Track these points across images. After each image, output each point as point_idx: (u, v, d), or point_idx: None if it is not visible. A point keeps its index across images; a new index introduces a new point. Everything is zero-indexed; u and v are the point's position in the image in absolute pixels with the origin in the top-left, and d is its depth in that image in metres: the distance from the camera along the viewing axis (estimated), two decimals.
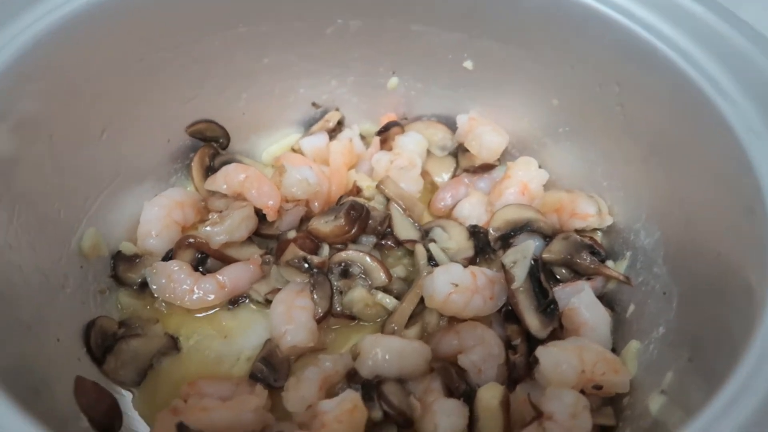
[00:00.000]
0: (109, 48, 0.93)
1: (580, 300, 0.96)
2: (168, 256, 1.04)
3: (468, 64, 1.17)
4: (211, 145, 1.18)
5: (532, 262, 0.99)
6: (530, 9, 1.03)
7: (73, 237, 0.94)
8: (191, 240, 1.03)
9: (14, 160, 0.82)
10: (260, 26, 1.09)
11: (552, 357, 0.87)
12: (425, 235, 1.11)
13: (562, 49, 1.03)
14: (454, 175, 1.24)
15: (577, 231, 1.07)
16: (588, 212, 1.05)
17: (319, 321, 0.99)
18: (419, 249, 1.08)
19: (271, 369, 0.94)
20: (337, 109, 1.27)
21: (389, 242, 1.11)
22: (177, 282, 1.00)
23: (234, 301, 1.04)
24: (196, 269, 1.04)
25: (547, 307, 0.95)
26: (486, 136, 1.16)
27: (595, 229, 1.08)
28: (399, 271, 1.08)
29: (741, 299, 0.65)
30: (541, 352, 0.89)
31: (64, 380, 0.80)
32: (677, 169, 0.89)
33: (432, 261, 1.07)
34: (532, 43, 1.06)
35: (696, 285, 0.83)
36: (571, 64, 1.04)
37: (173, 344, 0.98)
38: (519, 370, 0.93)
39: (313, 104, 1.26)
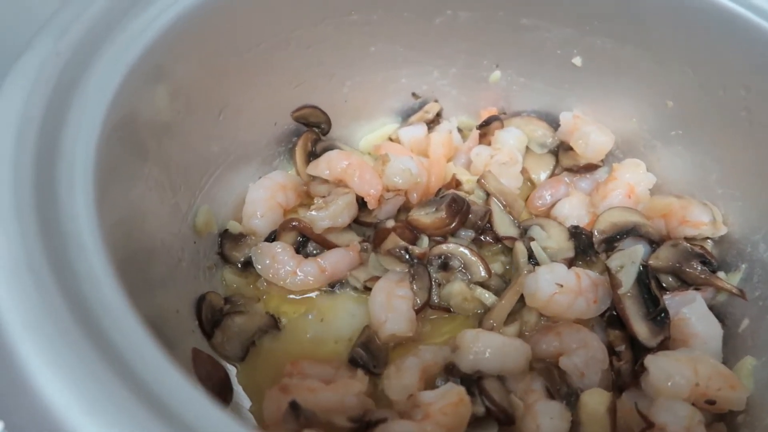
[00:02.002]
0: (234, 30, 0.95)
1: (691, 310, 0.93)
2: (270, 237, 1.07)
3: (577, 61, 1.14)
4: (314, 130, 1.19)
5: (641, 268, 0.96)
6: (651, 6, 1.00)
7: (190, 212, 0.97)
8: (295, 223, 1.05)
9: (165, 126, 0.85)
10: (372, 14, 1.09)
11: (664, 367, 0.85)
12: (524, 233, 1.10)
13: (684, 50, 0.99)
14: (552, 174, 1.21)
15: (686, 239, 1.04)
16: (702, 220, 1.01)
17: (418, 311, 0.99)
18: (519, 246, 1.06)
19: (370, 355, 0.95)
20: (437, 101, 1.26)
21: (488, 237, 1.10)
22: (281, 263, 1.02)
23: (332, 285, 1.05)
24: (298, 252, 1.06)
25: (657, 315, 0.92)
26: (592, 136, 1.13)
27: (705, 238, 1.04)
28: (496, 267, 1.07)
29: None
30: (651, 361, 0.86)
31: (182, 349, 0.83)
32: None
33: (531, 259, 1.05)
34: (650, 42, 1.03)
35: None
36: (692, 66, 1.00)
37: (274, 323, 1.00)
38: (624, 378, 0.91)
39: (413, 95, 1.26)
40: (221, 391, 0.86)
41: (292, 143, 1.18)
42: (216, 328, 0.95)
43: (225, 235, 1.06)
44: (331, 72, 1.16)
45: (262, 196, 1.08)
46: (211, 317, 0.95)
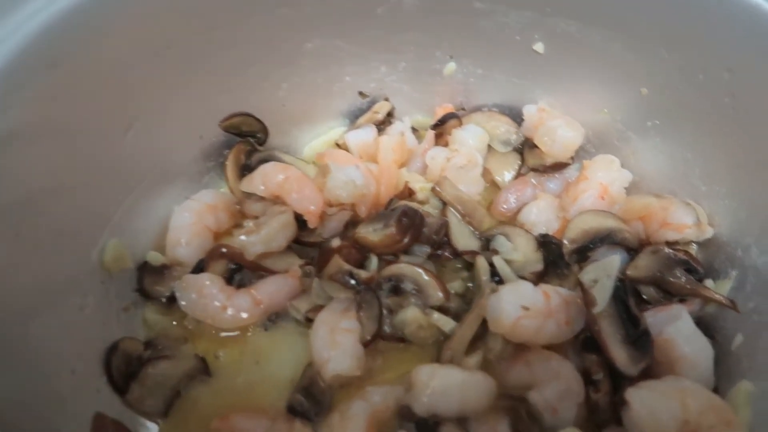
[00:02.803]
0: (132, 33, 0.82)
1: (677, 330, 0.81)
2: (199, 267, 0.94)
3: (539, 47, 1.01)
4: (248, 140, 1.06)
5: (618, 282, 0.84)
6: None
7: (94, 249, 0.84)
8: (224, 250, 0.92)
9: (21, 162, 0.71)
10: (304, 7, 0.96)
11: (647, 401, 0.73)
12: (487, 244, 0.98)
13: (658, 29, 0.87)
14: (518, 174, 1.09)
15: (668, 243, 0.92)
16: (685, 222, 0.89)
17: (366, 345, 0.87)
18: (480, 262, 0.94)
19: (312, 401, 0.83)
20: (387, 99, 1.14)
21: (446, 253, 0.98)
22: (208, 298, 0.89)
23: (271, 319, 0.93)
24: (229, 282, 0.93)
25: (638, 337, 0.80)
26: (559, 131, 1.01)
27: (689, 242, 0.92)
28: (457, 286, 0.95)
29: None
30: (632, 394, 0.74)
31: (77, 419, 0.70)
32: None
33: (495, 276, 0.93)
34: (620, 22, 0.91)
35: None
36: (667, 47, 0.88)
37: (203, 368, 0.88)
38: (602, 413, 0.79)
39: (360, 93, 1.13)
40: None
41: (223, 157, 1.05)
42: (132, 381, 0.83)
43: (144, 268, 0.93)
44: (261, 74, 1.03)
45: (187, 221, 0.96)
46: (125, 369, 0.83)
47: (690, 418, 0.71)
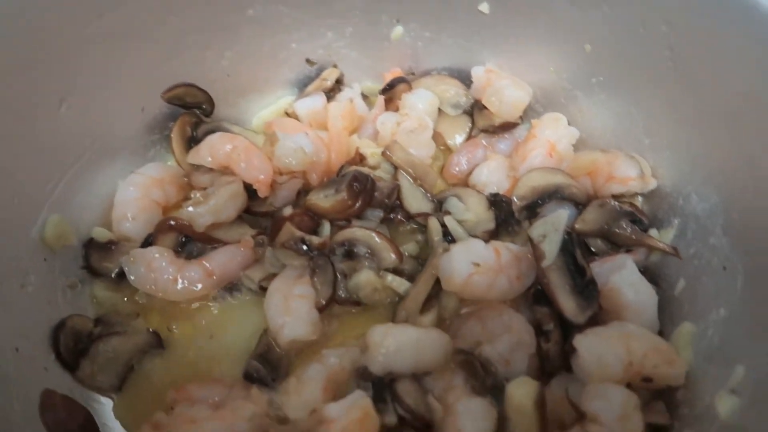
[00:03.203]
0: (59, 2, 0.78)
1: (622, 278, 0.83)
2: (148, 241, 0.92)
3: (484, 7, 1.02)
4: (193, 112, 1.04)
5: (565, 236, 0.86)
6: None
7: (33, 227, 0.82)
8: (172, 223, 0.90)
9: None
10: None
11: (593, 347, 0.75)
12: (439, 206, 0.99)
13: None
14: (469, 137, 1.10)
15: (615, 197, 0.94)
16: (629, 175, 0.91)
17: (321, 310, 0.87)
18: (433, 223, 0.95)
19: (269, 367, 0.83)
20: (335, 66, 1.13)
21: (398, 216, 0.98)
22: (158, 271, 0.88)
23: (224, 290, 0.92)
24: (179, 255, 0.91)
25: (585, 287, 0.82)
26: (506, 91, 1.02)
27: (634, 194, 0.94)
28: (410, 248, 0.96)
29: None
30: (579, 341, 0.76)
31: (25, 398, 0.68)
32: (746, 125, 0.74)
33: (448, 236, 0.94)
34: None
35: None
36: (609, 2, 0.88)
37: (157, 341, 0.87)
38: (553, 361, 0.81)
39: (308, 61, 1.12)
40: None
41: (168, 129, 1.02)
42: (82, 358, 0.81)
43: (90, 244, 0.91)
44: (204, 43, 1.00)
45: (132, 195, 0.94)
46: (74, 345, 0.81)
47: (634, 359, 0.74)
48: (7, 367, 0.69)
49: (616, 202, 0.92)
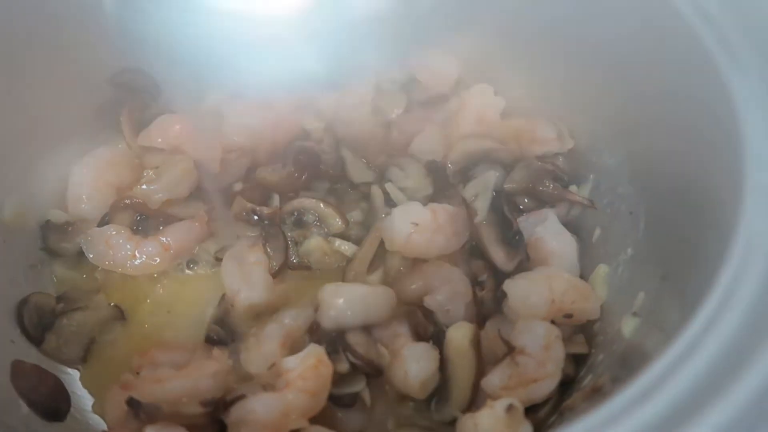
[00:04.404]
0: None
1: (545, 229, 0.93)
2: (104, 221, 0.96)
3: None
4: (140, 96, 1.07)
5: (494, 194, 0.95)
6: None
7: None
8: (127, 201, 0.94)
9: None
10: None
11: (520, 289, 0.85)
12: (381, 175, 1.06)
13: None
14: (407, 110, 1.16)
15: (539, 158, 1.03)
16: (548, 137, 1.01)
17: (275, 275, 0.94)
18: (375, 190, 1.02)
19: (228, 330, 0.89)
20: None
21: (344, 186, 1.05)
22: (116, 248, 0.92)
23: (181, 263, 0.97)
24: (136, 232, 0.96)
25: (513, 238, 0.91)
26: (436, 65, 1.09)
27: (557, 154, 1.03)
28: (356, 215, 1.03)
29: (713, 215, 0.62)
30: (508, 285, 0.86)
31: None
32: (636, 82, 0.84)
33: (390, 202, 1.01)
34: None
35: (664, 203, 0.80)
36: None
37: (119, 314, 0.91)
38: (488, 306, 0.90)
39: None
40: (54, 401, 0.77)
41: (117, 113, 1.05)
42: (47, 332, 0.85)
43: (47, 226, 0.94)
44: (149, 26, 1.03)
45: (87, 177, 0.97)
46: (39, 321, 0.85)
47: (555, 297, 0.84)
48: None
49: (540, 163, 1.01)
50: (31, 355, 0.81)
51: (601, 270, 0.90)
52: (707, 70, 0.68)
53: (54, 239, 0.94)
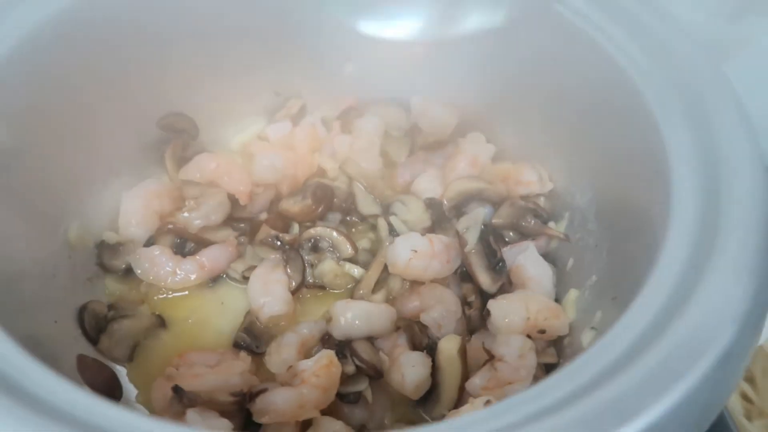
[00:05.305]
0: (87, 46, 1.00)
1: (525, 257, 1.08)
2: (149, 242, 1.12)
3: (418, 49, 1.25)
4: (182, 136, 1.24)
5: (483, 227, 1.11)
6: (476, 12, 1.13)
7: (60, 230, 1.02)
8: (171, 226, 1.11)
9: (12, 154, 0.89)
10: (227, 22, 1.16)
11: (501, 308, 0.99)
12: (387, 209, 1.21)
13: (501, 39, 1.13)
14: (411, 153, 1.32)
15: (523, 197, 1.19)
16: (530, 180, 1.17)
17: (294, 292, 1.09)
18: (381, 222, 1.18)
19: (253, 337, 1.04)
20: (299, 97, 1.35)
21: (354, 218, 1.21)
22: (159, 265, 1.08)
23: (214, 280, 1.13)
24: (176, 253, 1.12)
25: (497, 265, 1.07)
26: (437, 115, 1.26)
27: (538, 195, 1.19)
28: (364, 243, 1.18)
29: (648, 241, 0.77)
30: (492, 304, 1.00)
31: (66, 357, 0.89)
32: (601, 133, 1.00)
33: (393, 232, 1.17)
34: (474, 35, 1.16)
35: (620, 236, 0.95)
36: (508, 49, 1.14)
37: (160, 322, 1.06)
38: (474, 323, 1.05)
39: (276, 93, 1.33)
40: (110, 389, 0.93)
41: (161, 151, 1.23)
42: (102, 334, 1.01)
43: (102, 245, 1.10)
44: (191, 78, 1.22)
45: (135, 205, 1.13)
46: (95, 324, 1.01)
47: (531, 315, 0.98)
48: (52, 332, 0.89)
49: (523, 202, 1.17)
50: (89, 351, 0.97)
51: (572, 294, 1.05)
52: (647, 125, 0.85)
53: (107, 257, 1.10)
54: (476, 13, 1.13)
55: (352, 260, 1.13)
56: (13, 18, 0.92)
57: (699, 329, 0.59)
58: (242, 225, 1.18)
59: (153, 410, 0.92)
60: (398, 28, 1.22)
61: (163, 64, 1.16)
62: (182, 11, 1.11)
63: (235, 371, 0.95)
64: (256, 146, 1.26)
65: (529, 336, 0.98)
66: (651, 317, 0.62)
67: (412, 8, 1.21)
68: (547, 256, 1.13)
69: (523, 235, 1.16)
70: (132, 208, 1.13)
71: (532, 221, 1.15)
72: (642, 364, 0.57)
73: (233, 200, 1.16)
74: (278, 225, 1.15)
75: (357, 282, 1.12)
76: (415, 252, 1.08)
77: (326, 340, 1.03)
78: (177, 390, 0.84)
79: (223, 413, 0.87)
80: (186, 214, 1.11)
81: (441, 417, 0.94)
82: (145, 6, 1.06)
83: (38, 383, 0.63)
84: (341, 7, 1.22)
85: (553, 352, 1.00)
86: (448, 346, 0.99)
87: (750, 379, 1.28)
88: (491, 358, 0.95)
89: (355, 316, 1.02)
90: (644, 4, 0.95)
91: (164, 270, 1.08)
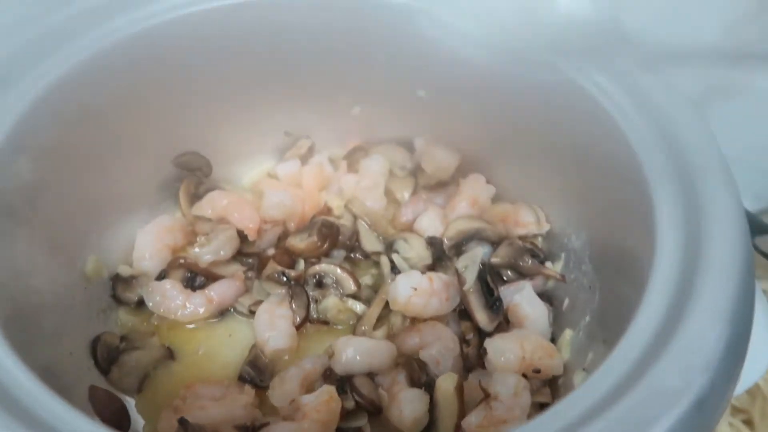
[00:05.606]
0: (112, 90, 1.07)
1: (522, 297, 1.11)
2: (161, 276, 1.17)
3: (421, 93, 1.31)
4: (195, 174, 1.30)
5: (481, 266, 1.15)
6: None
7: (78, 262, 1.07)
8: (182, 260, 1.16)
9: (37, 188, 0.95)
10: (243, 70, 1.23)
11: (497, 347, 1.02)
12: (389, 247, 1.25)
13: (500, 87, 1.18)
14: (414, 193, 1.37)
15: (521, 237, 1.22)
16: (528, 221, 1.20)
17: (298, 327, 1.13)
18: (383, 259, 1.22)
19: (257, 371, 1.08)
20: (308, 137, 1.41)
21: (358, 255, 1.25)
22: (170, 298, 1.13)
23: (222, 313, 1.17)
24: (186, 286, 1.17)
25: (494, 304, 1.10)
26: (439, 157, 1.31)
27: (536, 235, 1.23)
28: (367, 280, 1.22)
29: (634, 286, 0.81)
30: (488, 343, 1.03)
31: (79, 387, 0.93)
32: (594, 178, 1.04)
33: (395, 269, 1.21)
34: (475, 93, 1.22)
35: (611, 279, 0.98)
36: (507, 97, 1.19)
37: (169, 354, 1.11)
38: (471, 360, 1.08)
39: (286, 133, 1.39)
40: (119, 420, 0.97)
41: (176, 188, 1.28)
42: (113, 365, 1.05)
43: (116, 278, 1.15)
44: (205, 119, 1.28)
45: (149, 240, 1.19)
46: (107, 356, 1.05)
47: (526, 355, 1.01)
48: (67, 364, 0.94)
49: (521, 242, 1.21)
50: (101, 382, 1.01)
51: (567, 334, 1.08)
52: (636, 175, 0.89)
53: (121, 289, 1.15)
54: (479, 66, 1.18)
55: (355, 296, 1.17)
56: (46, 64, 0.98)
57: (674, 376, 0.62)
58: (250, 260, 1.23)
59: None
60: (404, 76, 1.28)
61: (181, 106, 1.22)
62: (200, 58, 1.17)
63: (240, 404, 0.99)
64: (265, 184, 1.32)
65: (524, 375, 1.01)
66: (631, 362, 0.65)
67: (419, 59, 1.27)
68: (544, 296, 1.16)
69: (521, 274, 1.20)
70: (146, 242, 1.19)
71: (530, 261, 1.19)
72: (620, 408, 0.60)
73: (242, 236, 1.21)
74: (285, 261, 1.20)
75: (359, 318, 1.16)
76: (415, 290, 1.11)
77: (328, 375, 1.07)
78: (182, 422, 0.88)
79: None
80: (197, 249, 1.16)
81: None
82: (165, 53, 1.13)
83: (52, 412, 0.67)
84: (350, 54, 1.29)
85: (547, 392, 1.03)
86: (446, 384, 1.02)
87: (748, 422, 1.30)
88: (487, 396, 0.98)
89: (356, 352, 1.05)
90: (639, 64, 1.00)
91: (175, 303, 1.13)
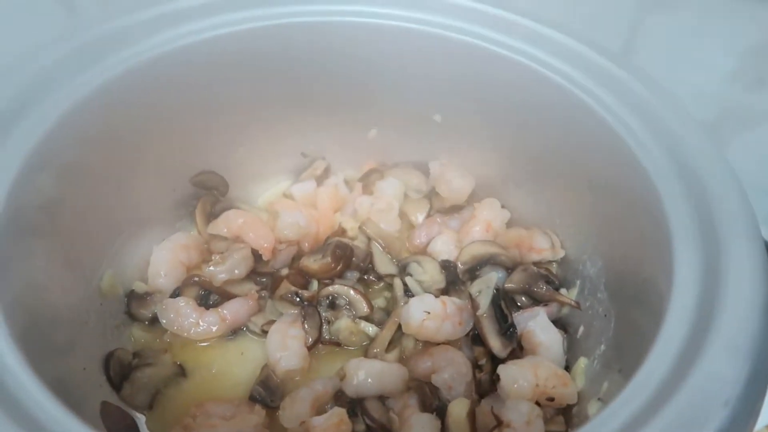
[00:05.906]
0: (134, 111, 1.09)
1: (536, 323, 1.10)
2: (175, 294, 1.18)
3: (437, 118, 1.32)
4: (212, 193, 1.32)
5: (495, 291, 1.14)
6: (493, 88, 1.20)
7: (95, 278, 1.08)
8: (196, 279, 1.17)
9: (57, 204, 0.96)
10: (260, 92, 1.25)
11: (511, 373, 1.01)
12: (403, 269, 1.26)
13: (516, 112, 1.19)
14: (428, 216, 1.37)
15: (535, 263, 1.22)
16: (543, 247, 1.20)
17: (310, 348, 1.12)
18: (397, 282, 1.22)
19: (268, 391, 1.07)
20: (324, 158, 1.42)
21: (371, 277, 1.25)
22: (184, 316, 1.13)
23: (234, 332, 1.17)
24: (200, 304, 1.17)
25: (507, 330, 1.09)
26: (454, 181, 1.32)
27: (550, 261, 1.23)
28: (379, 302, 1.22)
29: (651, 315, 0.80)
30: (501, 369, 1.02)
31: (91, 402, 0.93)
32: (610, 206, 1.04)
33: (408, 292, 1.21)
34: (496, 111, 1.22)
35: (626, 307, 0.98)
36: (523, 122, 1.20)
37: (181, 371, 1.11)
38: (484, 386, 1.07)
39: (302, 154, 1.41)
40: None
41: (192, 206, 1.30)
42: (125, 381, 1.05)
43: (131, 295, 1.16)
44: (223, 140, 1.30)
45: (165, 257, 1.20)
46: (119, 371, 1.05)
47: (539, 382, 1.00)
48: (79, 379, 0.94)
49: (536, 268, 1.20)
50: (112, 398, 1.01)
51: (582, 362, 1.07)
52: (652, 203, 0.89)
53: (135, 305, 1.15)
54: (494, 94, 1.19)
55: (367, 318, 1.17)
56: (70, 86, 1.00)
57: (692, 410, 0.61)
58: (264, 279, 1.23)
59: None
60: (421, 101, 1.30)
61: (200, 127, 1.25)
62: (219, 81, 1.19)
63: (250, 424, 0.98)
64: (281, 204, 1.33)
65: (538, 403, 1.00)
66: (650, 393, 0.64)
67: (436, 84, 1.28)
68: (558, 323, 1.15)
69: (535, 300, 1.19)
70: (161, 259, 1.20)
71: (544, 287, 1.18)
72: None
73: (257, 255, 1.22)
74: (298, 281, 1.20)
75: (371, 340, 1.16)
76: (428, 314, 1.11)
77: (339, 397, 1.06)
78: None
79: None
80: (212, 268, 1.17)
81: None
82: (185, 76, 1.15)
83: (63, 427, 0.67)
84: (368, 79, 1.30)
85: (561, 421, 1.01)
86: (458, 410, 1.01)
87: None
88: (499, 423, 0.96)
89: (368, 375, 1.05)
90: (653, 89, 1.01)
91: (188, 321, 1.13)
